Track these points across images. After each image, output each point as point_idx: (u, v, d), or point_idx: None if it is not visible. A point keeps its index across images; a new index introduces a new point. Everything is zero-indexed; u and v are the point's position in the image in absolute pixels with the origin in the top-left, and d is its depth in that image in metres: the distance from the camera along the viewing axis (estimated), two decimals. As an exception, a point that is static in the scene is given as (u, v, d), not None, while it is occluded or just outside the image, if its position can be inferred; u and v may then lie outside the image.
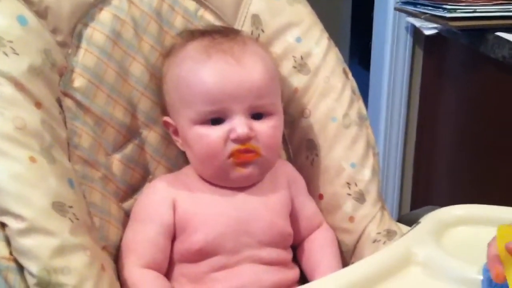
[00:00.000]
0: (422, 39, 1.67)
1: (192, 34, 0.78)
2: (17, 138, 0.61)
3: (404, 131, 1.79)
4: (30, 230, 0.59)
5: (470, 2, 1.39)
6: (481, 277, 0.62)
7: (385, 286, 0.64)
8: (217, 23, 0.83)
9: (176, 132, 0.78)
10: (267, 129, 0.74)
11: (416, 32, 1.67)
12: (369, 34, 1.90)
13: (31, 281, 0.59)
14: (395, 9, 1.66)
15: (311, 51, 0.85)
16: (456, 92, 1.57)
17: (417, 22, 1.55)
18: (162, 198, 0.75)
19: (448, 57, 1.60)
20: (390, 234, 0.80)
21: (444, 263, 0.66)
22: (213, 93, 0.71)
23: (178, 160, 0.83)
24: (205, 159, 0.74)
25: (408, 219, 0.85)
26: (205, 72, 0.72)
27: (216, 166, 0.74)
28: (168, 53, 0.79)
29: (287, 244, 0.80)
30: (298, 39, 0.85)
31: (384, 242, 0.79)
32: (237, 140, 0.72)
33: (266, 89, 0.74)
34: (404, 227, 0.82)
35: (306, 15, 0.86)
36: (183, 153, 0.81)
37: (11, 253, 0.59)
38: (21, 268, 0.59)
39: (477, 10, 1.37)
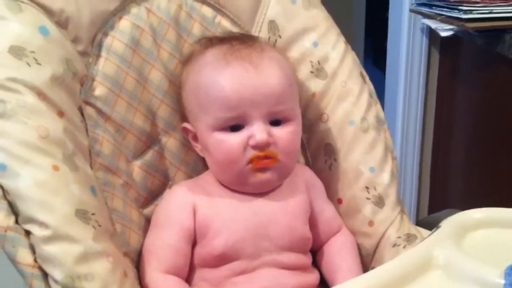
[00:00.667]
0: (438, 40, 1.67)
1: (210, 41, 0.79)
2: (40, 147, 0.62)
3: (421, 133, 1.78)
4: (54, 237, 0.60)
5: (486, 3, 1.38)
6: (503, 281, 0.62)
7: (406, 290, 0.64)
8: (234, 29, 0.84)
9: (195, 138, 0.79)
10: (286, 135, 0.74)
11: (431, 34, 1.66)
12: (383, 35, 1.89)
13: (55, 287, 0.59)
14: (411, 10, 1.66)
15: (328, 55, 0.85)
16: (473, 93, 1.56)
17: (433, 24, 1.54)
18: (182, 204, 0.76)
19: (465, 58, 1.60)
20: (410, 238, 0.80)
21: (465, 267, 0.66)
22: (232, 99, 0.72)
23: (197, 166, 0.84)
24: (224, 165, 0.75)
25: (427, 223, 0.85)
26: (224, 79, 0.73)
27: (235, 172, 0.74)
28: (187, 60, 0.80)
29: (307, 248, 0.80)
30: (315, 44, 0.85)
31: (404, 246, 0.79)
32: (256, 147, 0.72)
33: (285, 95, 0.74)
34: (423, 231, 0.82)
35: (323, 20, 0.86)
36: (202, 159, 0.82)
37: (35, 260, 0.60)
38: (45, 275, 0.60)
39: (494, 11, 1.36)
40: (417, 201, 1.83)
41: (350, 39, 0.90)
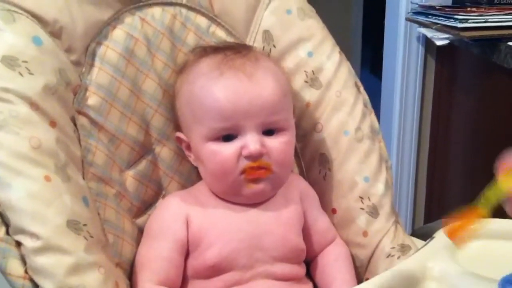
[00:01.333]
0: (434, 49, 1.67)
1: (205, 51, 0.79)
2: (32, 158, 0.62)
3: (417, 142, 1.78)
4: (45, 248, 0.59)
5: (481, 12, 1.39)
6: (497, 293, 0.62)
7: (400, 302, 0.64)
8: (229, 39, 0.83)
9: (188, 147, 0.78)
10: (279, 145, 0.74)
11: (427, 42, 1.66)
12: (380, 42, 1.90)
13: (46, 299, 0.59)
14: (406, 19, 1.66)
15: (322, 65, 0.85)
16: (469, 102, 1.56)
17: (429, 33, 1.55)
18: (175, 214, 0.76)
19: (461, 67, 1.60)
20: (404, 249, 0.80)
21: (459, 278, 0.66)
22: (225, 110, 0.72)
23: (191, 176, 0.84)
24: (217, 176, 0.74)
25: (422, 233, 0.85)
26: (218, 89, 0.73)
27: (228, 182, 0.74)
28: (181, 69, 0.79)
29: (300, 259, 0.80)
30: (310, 54, 0.85)
31: (399, 257, 0.79)
32: (249, 157, 0.72)
33: (279, 105, 0.74)
34: (418, 241, 0.82)
35: (318, 30, 0.86)
36: (196, 169, 0.81)
37: (26, 272, 0.60)
38: (36, 287, 0.60)
39: (489, 20, 1.37)
40: (413, 211, 1.83)
41: (347, 48, 0.90)
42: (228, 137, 0.73)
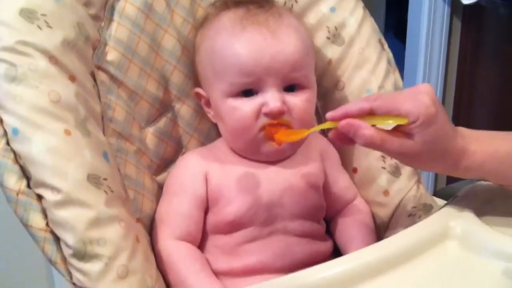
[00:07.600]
0: (460, 9, 1.62)
1: (226, 4, 0.77)
2: (52, 111, 0.61)
3: (441, 105, 1.74)
4: (66, 202, 0.59)
5: (511, -31, 1.34)
6: (522, 252, 0.60)
7: (420, 260, 0.63)
8: (249, -6, 0.81)
9: (208, 103, 0.78)
10: (300, 103, 0.73)
11: (454, 2, 1.62)
12: (405, 5, 1.85)
13: (67, 252, 0.59)
14: (432, -22, 1.61)
15: (345, 21, 0.83)
16: (496, 64, 1.52)
17: (455, -8, 1.50)
18: (195, 171, 0.76)
19: (488, 28, 1.55)
20: (426, 208, 0.79)
21: (482, 237, 0.64)
22: (247, 65, 0.70)
23: (211, 133, 0.83)
24: (236, 132, 0.74)
25: (445, 193, 0.84)
26: (240, 45, 0.71)
27: (248, 139, 0.73)
28: (201, 24, 0.78)
29: (320, 216, 0.79)
30: (332, 9, 0.83)
31: (420, 216, 0.78)
32: (269, 114, 0.71)
33: (301, 62, 0.73)
34: (440, 202, 0.81)
35: None
36: (216, 127, 0.81)
37: (47, 225, 0.60)
38: (57, 239, 0.60)
39: (519, -22, 1.32)
40: (435, 175, 1.81)
41: (370, 10, 0.87)
42: (248, 93, 0.72)
